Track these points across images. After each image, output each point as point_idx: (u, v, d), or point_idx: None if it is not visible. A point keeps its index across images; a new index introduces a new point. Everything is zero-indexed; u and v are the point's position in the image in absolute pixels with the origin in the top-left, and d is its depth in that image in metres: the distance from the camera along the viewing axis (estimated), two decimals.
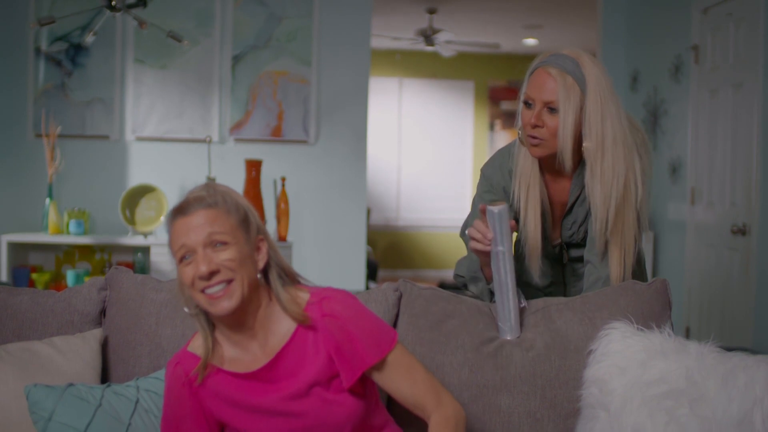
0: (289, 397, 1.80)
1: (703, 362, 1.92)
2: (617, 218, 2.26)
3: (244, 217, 1.80)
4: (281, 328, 1.83)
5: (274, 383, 1.81)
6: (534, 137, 2.25)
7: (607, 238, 2.29)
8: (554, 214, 2.44)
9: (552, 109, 2.20)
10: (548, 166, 2.34)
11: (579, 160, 2.30)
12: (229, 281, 1.74)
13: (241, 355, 1.83)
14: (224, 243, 1.75)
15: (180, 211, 1.77)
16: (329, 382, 1.81)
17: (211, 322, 1.84)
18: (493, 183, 2.43)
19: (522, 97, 2.27)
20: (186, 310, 1.83)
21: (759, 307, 4.54)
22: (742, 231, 4.72)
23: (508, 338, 2.18)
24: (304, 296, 1.86)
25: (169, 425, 1.83)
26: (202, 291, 1.74)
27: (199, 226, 1.74)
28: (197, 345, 1.86)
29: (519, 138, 2.32)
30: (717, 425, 1.82)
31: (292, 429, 1.80)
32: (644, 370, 1.95)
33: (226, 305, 1.74)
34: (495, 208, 2.08)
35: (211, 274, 1.72)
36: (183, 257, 1.75)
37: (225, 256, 1.74)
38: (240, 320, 1.79)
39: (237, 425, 1.82)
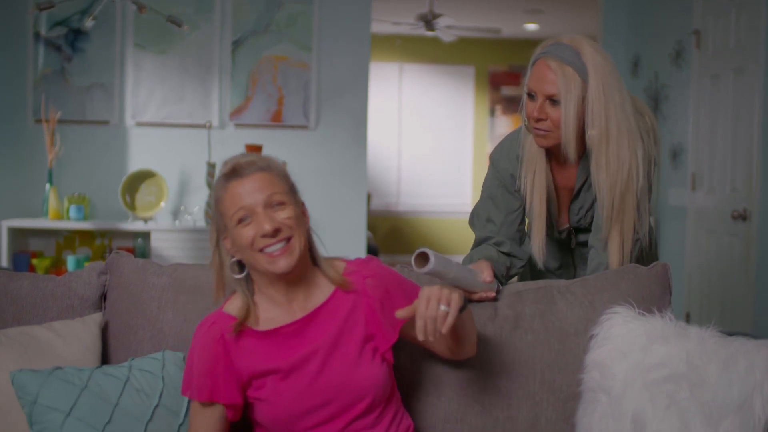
0: (319, 352, 1.85)
1: (704, 347, 1.92)
2: (620, 206, 2.27)
3: (291, 183, 1.90)
4: (320, 291, 1.91)
5: (305, 338, 1.86)
6: (538, 129, 2.26)
7: (610, 225, 2.29)
8: (561, 200, 2.45)
9: (554, 101, 2.20)
10: (555, 153, 2.35)
11: (583, 149, 2.30)
12: (289, 239, 1.82)
13: (279, 317, 1.89)
14: (282, 203, 1.83)
15: (235, 174, 1.83)
16: (363, 345, 1.87)
17: (251, 287, 1.90)
18: (500, 169, 2.44)
19: (525, 89, 2.28)
20: (235, 276, 1.88)
21: (759, 293, 4.54)
22: (742, 216, 4.72)
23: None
24: (340, 264, 1.96)
25: (204, 382, 1.83)
26: (261, 250, 1.80)
27: (257, 188, 1.81)
28: (233, 307, 1.89)
29: (525, 126, 2.33)
30: (717, 409, 1.83)
31: (318, 390, 1.84)
32: (645, 354, 1.95)
33: (284, 264, 1.81)
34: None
35: (275, 231, 1.79)
36: (241, 219, 1.81)
37: (284, 215, 1.82)
38: (291, 280, 1.86)
39: (264, 384, 1.85)
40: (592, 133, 2.21)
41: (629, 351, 1.98)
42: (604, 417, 1.96)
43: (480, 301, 2.23)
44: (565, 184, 2.42)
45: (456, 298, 1.73)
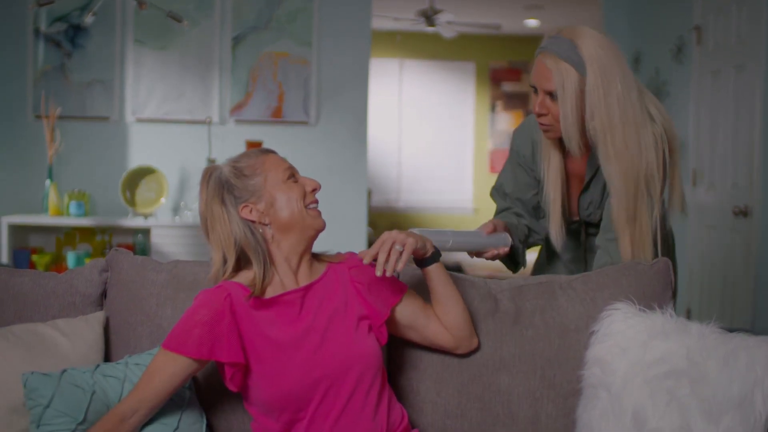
0: (319, 326, 1.93)
1: (705, 343, 1.92)
2: (635, 194, 2.25)
3: None
4: (318, 266, 2.04)
5: (304, 308, 1.94)
6: (541, 123, 2.29)
7: (625, 217, 2.28)
8: (572, 189, 2.47)
9: (553, 96, 2.23)
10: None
11: (589, 140, 2.30)
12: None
13: (283, 287, 1.96)
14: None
15: (267, 150, 2.04)
16: (358, 322, 1.96)
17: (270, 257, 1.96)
18: (515, 146, 2.54)
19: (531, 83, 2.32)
20: (258, 243, 1.94)
21: (760, 289, 4.54)
22: (743, 212, 4.72)
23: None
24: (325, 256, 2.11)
25: (205, 338, 1.84)
26: (307, 206, 1.98)
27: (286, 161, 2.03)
28: (242, 279, 1.95)
29: None
30: (718, 405, 1.83)
31: (320, 362, 1.88)
32: (646, 350, 1.95)
33: (323, 221, 2.01)
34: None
35: (317, 189, 2.02)
36: (291, 175, 1.99)
37: None
38: (309, 248, 2.01)
39: (266, 357, 1.87)
40: (593, 125, 2.22)
41: (630, 347, 1.98)
42: (605, 413, 1.96)
43: (493, 258, 2.36)
44: (576, 172, 2.44)
45: (411, 241, 1.90)
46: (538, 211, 2.56)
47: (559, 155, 2.39)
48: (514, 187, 2.55)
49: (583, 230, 2.55)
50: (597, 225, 2.51)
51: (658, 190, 2.29)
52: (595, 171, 2.38)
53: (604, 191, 2.39)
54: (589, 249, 2.59)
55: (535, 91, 2.27)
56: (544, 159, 2.40)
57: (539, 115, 2.27)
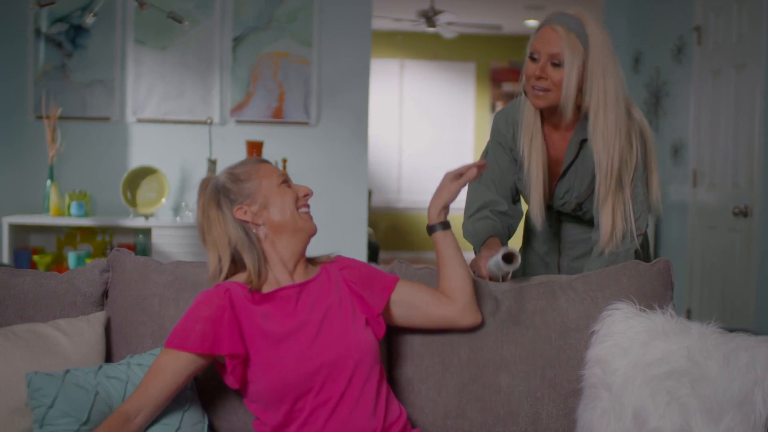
0: (315, 318, 1.97)
1: (705, 343, 1.92)
2: (618, 174, 2.34)
3: None
4: (312, 267, 2.10)
5: (300, 303, 1.99)
6: (537, 88, 2.33)
7: (607, 190, 2.36)
8: (550, 172, 2.50)
9: (555, 64, 2.29)
10: (549, 117, 2.43)
11: (577, 115, 2.38)
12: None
13: (277, 286, 2.01)
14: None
15: (263, 161, 2.09)
16: (354, 315, 2.01)
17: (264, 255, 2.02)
18: (498, 129, 2.56)
19: (528, 51, 2.36)
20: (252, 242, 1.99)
21: (760, 289, 4.54)
22: (743, 212, 4.72)
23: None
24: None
25: (207, 333, 1.88)
26: (299, 210, 2.04)
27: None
28: (239, 278, 2.00)
29: (524, 90, 2.41)
30: (718, 405, 1.83)
31: (317, 352, 1.92)
32: (646, 350, 1.96)
33: (314, 224, 2.06)
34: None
35: (309, 194, 2.08)
36: (285, 180, 2.05)
37: None
38: (303, 249, 2.06)
39: (263, 348, 1.91)
40: (588, 99, 2.30)
41: (630, 347, 1.98)
42: (605, 413, 1.96)
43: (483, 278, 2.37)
44: (555, 155, 2.48)
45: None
46: (512, 193, 2.60)
47: (541, 134, 2.44)
48: (496, 172, 2.58)
49: (555, 218, 2.60)
50: (569, 215, 2.57)
51: (629, 179, 2.37)
52: (574, 157, 2.44)
53: (582, 181, 2.45)
54: (565, 243, 2.65)
55: (533, 59, 2.32)
56: (525, 137, 2.45)
57: (538, 78, 2.31)
